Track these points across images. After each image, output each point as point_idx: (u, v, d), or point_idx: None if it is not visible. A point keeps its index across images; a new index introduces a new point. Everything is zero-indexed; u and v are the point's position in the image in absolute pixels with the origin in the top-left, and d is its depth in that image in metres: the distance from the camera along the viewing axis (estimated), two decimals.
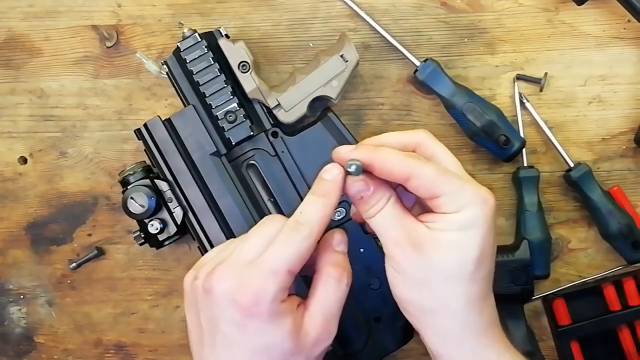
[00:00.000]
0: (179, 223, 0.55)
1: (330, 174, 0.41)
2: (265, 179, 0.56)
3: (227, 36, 0.56)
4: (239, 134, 0.54)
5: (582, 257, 0.62)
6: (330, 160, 0.42)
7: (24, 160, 0.64)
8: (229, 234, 0.54)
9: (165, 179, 0.55)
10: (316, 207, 0.41)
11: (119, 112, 0.63)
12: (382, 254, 0.42)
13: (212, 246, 0.54)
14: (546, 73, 0.60)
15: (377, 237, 0.43)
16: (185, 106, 0.56)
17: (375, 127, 0.62)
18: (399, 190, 0.44)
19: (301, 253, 0.40)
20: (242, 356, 0.40)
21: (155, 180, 0.55)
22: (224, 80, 0.54)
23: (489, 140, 0.57)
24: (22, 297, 0.65)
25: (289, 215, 0.42)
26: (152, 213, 0.54)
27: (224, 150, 0.55)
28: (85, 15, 0.62)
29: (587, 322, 0.60)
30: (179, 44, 0.54)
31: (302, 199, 0.43)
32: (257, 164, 0.56)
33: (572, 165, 0.59)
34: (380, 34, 0.59)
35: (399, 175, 0.40)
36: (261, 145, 0.55)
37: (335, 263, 0.42)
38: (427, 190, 0.40)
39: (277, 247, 0.40)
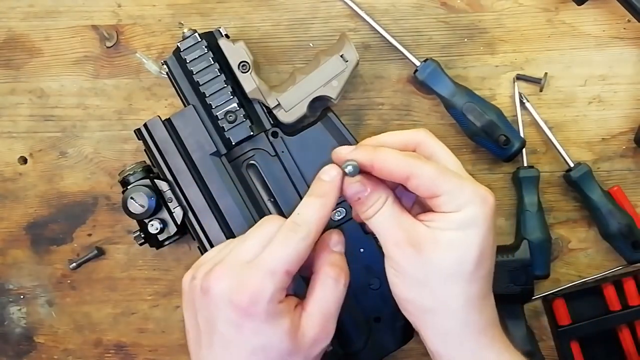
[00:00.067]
0: (179, 223, 0.55)
1: (329, 175, 0.41)
2: (265, 179, 0.56)
3: (227, 36, 0.56)
4: (239, 134, 0.54)
5: (582, 257, 0.62)
6: (330, 161, 0.42)
7: (24, 160, 0.64)
8: (229, 234, 0.54)
9: (165, 179, 0.55)
10: (314, 207, 0.41)
11: (119, 112, 0.63)
12: (382, 254, 0.42)
13: (212, 246, 0.54)
14: (546, 73, 0.60)
15: (377, 237, 0.43)
16: (185, 106, 0.55)
17: (375, 127, 0.61)
18: (399, 190, 0.44)
19: (299, 253, 0.40)
20: (239, 356, 0.40)
21: (155, 180, 0.55)
22: (224, 80, 0.54)
23: (489, 140, 0.57)
24: (22, 297, 0.65)
25: (289, 216, 0.42)
26: (152, 213, 0.54)
27: (224, 150, 0.55)
28: (85, 15, 0.62)
29: (587, 322, 0.60)
30: (179, 44, 0.54)
31: (302, 199, 0.43)
32: (257, 164, 0.56)
33: (572, 165, 0.59)
34: (380, 34, 0.59)
35: (399, 175, 0.40)
36: (261, 145, 0.55)
37: (332, 263, 0.42)
38: (427, 190, 0.40)
39: (275, 248, 0.40)
